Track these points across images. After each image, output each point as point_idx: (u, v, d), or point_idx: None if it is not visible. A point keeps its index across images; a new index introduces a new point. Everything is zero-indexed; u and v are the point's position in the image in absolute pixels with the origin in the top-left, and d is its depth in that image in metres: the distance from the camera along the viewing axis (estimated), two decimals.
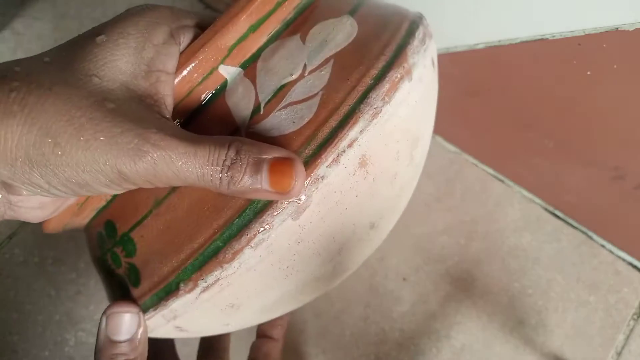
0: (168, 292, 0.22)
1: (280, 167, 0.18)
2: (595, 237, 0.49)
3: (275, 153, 0.19)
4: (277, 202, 0.20)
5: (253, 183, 0.18)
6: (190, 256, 0.22)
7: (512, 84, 0.41)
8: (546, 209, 0.50)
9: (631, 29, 0.31)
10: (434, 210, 0.50)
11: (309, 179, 0.20)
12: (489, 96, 0.44)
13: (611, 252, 0.48)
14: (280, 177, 0.18)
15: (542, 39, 0.35)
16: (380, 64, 0.23)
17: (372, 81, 0.22)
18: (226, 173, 0.18)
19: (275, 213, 0.20)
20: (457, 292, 0.47)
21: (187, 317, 0.23)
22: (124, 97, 0.17)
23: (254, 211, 0.20)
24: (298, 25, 0.24)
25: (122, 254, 0.24)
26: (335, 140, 0.21)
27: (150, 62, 0.18)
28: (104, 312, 0.23)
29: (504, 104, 0.43)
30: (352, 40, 0.23)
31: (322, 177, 0.21)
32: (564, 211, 0.49)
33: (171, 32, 0.20)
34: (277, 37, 0.24)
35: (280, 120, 0.21)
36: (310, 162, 0.20)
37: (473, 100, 0.45)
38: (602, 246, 0.48)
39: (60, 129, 0.16)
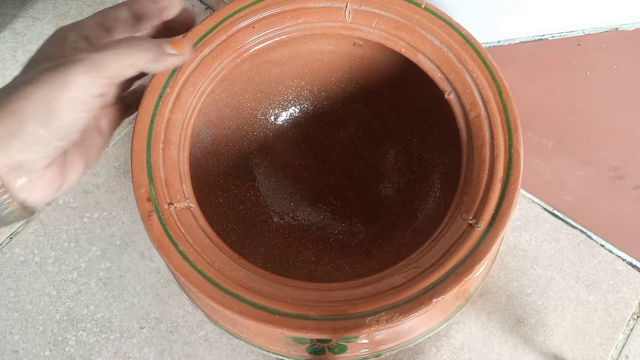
0: None
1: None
2: (594, 236, 0.49)
3: None
4: None
5: None
6: None
7: (511, 84, 0.41)
8: (545, 209, 0.50)
9: (631, 29, 0.31)
10: None
11: None
12: None
13: (610, 251, 0.48)
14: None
15: (542, 39, 0.35)
16: None
17: None
18: None
19: None
20: None
21: None
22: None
23: None
24: None
25: None
26: None
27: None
28: None
29: None
30: None
31: None
32: (563, 211, 0.49)
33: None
34: None
35: None
36: None
37: None
38: (602, 246, 0.48)
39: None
